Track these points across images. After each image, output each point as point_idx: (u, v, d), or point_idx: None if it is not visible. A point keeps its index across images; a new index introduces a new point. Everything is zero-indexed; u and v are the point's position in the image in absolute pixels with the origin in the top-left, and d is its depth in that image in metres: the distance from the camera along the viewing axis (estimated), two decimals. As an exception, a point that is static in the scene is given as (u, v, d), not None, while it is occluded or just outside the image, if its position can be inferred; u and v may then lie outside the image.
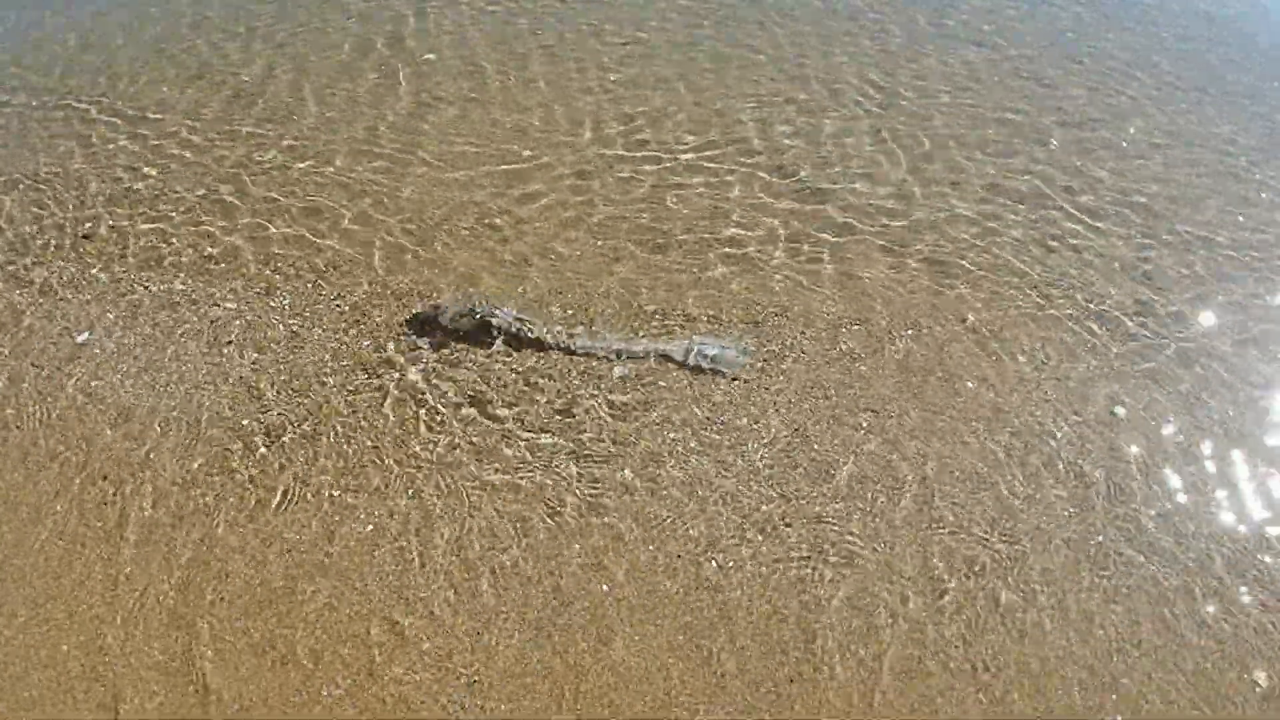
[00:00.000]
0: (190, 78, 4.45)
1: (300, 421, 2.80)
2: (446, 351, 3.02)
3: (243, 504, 2.58)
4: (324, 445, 2.74)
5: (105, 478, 2.67)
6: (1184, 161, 4.09)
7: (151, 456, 2.72)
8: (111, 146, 4.01)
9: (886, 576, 2.45)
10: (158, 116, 4.18)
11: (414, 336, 3.06)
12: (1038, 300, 3.31)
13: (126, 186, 3.77)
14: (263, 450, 2.72)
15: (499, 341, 3.01)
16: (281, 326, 3.12)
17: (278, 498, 2.60)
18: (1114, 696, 2.24)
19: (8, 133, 4.14)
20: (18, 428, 2.80)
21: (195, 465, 2.69)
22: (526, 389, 2.90)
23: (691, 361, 2.95)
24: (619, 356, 2.97)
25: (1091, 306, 3.29)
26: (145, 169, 3.86)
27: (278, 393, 2.89)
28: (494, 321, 3.00)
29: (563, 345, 3.00)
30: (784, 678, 2.25)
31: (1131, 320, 3.25)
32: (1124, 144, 4.16)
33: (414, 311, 3.13)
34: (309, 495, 2.60)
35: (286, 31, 4.76)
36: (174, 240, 3.49)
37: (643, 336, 3.05)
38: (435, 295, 3.22)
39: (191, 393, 2.90)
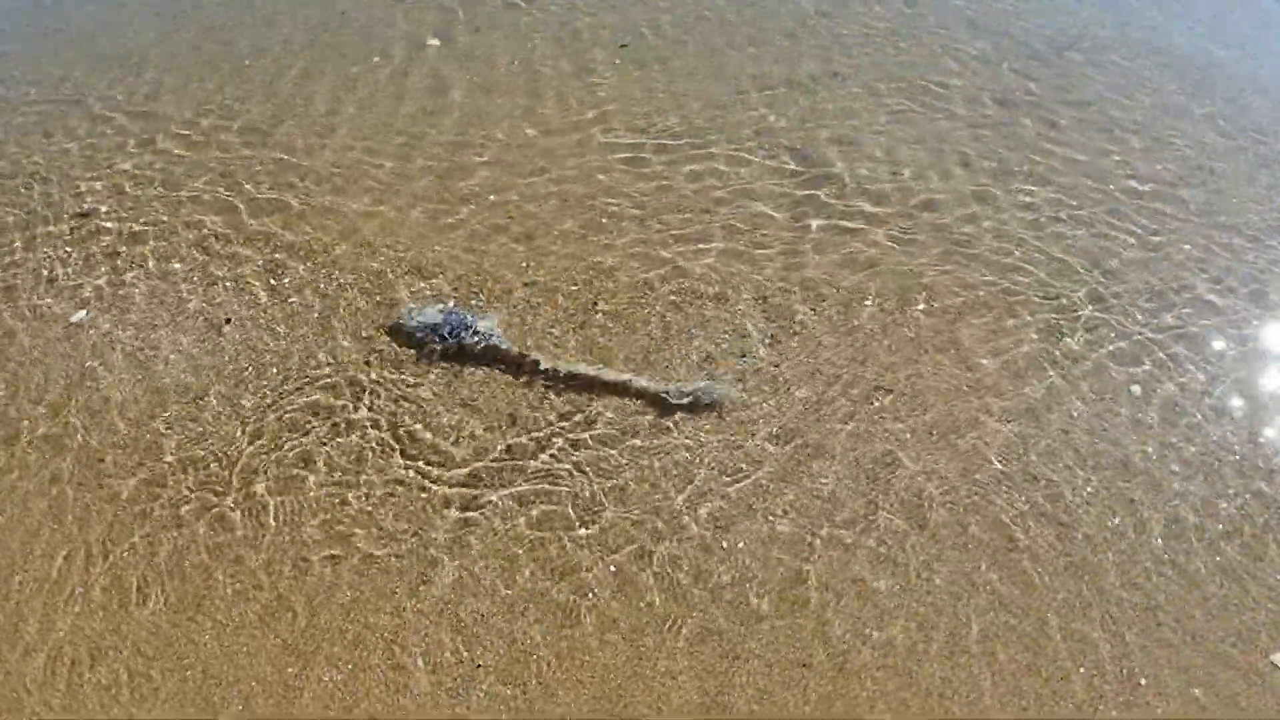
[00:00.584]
0: (201, 67, 4.40)
1: (299, 406, 2.75)
2: (412, 373, 2.80)
3: (241, 489, 2.53)
4: (322, 434, 2.68)
5: (101, 460, 2.61)
6: (1197, 144, 4.03)
7: (148, 436, 2.67)
8: (116, 130, 3.95)
9: (904, 561, 2.39)
10: (166, 104, 4.13)
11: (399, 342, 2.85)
12: (1051, 278, 3.25)
13: (130, 172, 3.71)
14: (263, 436, 2.67)
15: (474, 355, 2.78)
16: (281, 308, 3.07)
17: (272, 482, 2.54)
18: (1142, 681, 2.19)
19: (16, 115, 4.09)
20: (11, 408, 2.75)
21: (189, 443, 2.63)
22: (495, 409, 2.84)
23: (676, 399, 2.66)
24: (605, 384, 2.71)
25: (1108, 284, 3.24)
26: (150, 154, 3.81)
27: (274, 372, 2.84)
28: (464, 343, 2.77)
29: (542, 369, 2.75)
30: (796, 661, 2.19)
31: (1150, 299, 3.19)
32: (1136, 123, 4.11)
33: (394, 320, 2.90)
34: (310, 482, 2.55)
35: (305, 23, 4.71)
36: (175, 220, 3.43)
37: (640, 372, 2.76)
38: (423, 296, 3.12)
39: (188, 373, 2.85)
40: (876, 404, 2.76)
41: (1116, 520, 2.50)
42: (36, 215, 3.47)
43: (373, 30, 4.62)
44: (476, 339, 2.78)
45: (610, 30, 4.60)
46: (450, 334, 2.78)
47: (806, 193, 3.59)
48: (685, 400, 2.65)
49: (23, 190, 3.61)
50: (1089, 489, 2.57)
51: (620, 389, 2.71)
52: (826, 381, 2.83)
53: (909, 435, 2.68)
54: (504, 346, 2.78)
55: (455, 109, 4.02)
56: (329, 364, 2.85)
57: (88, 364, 2.88)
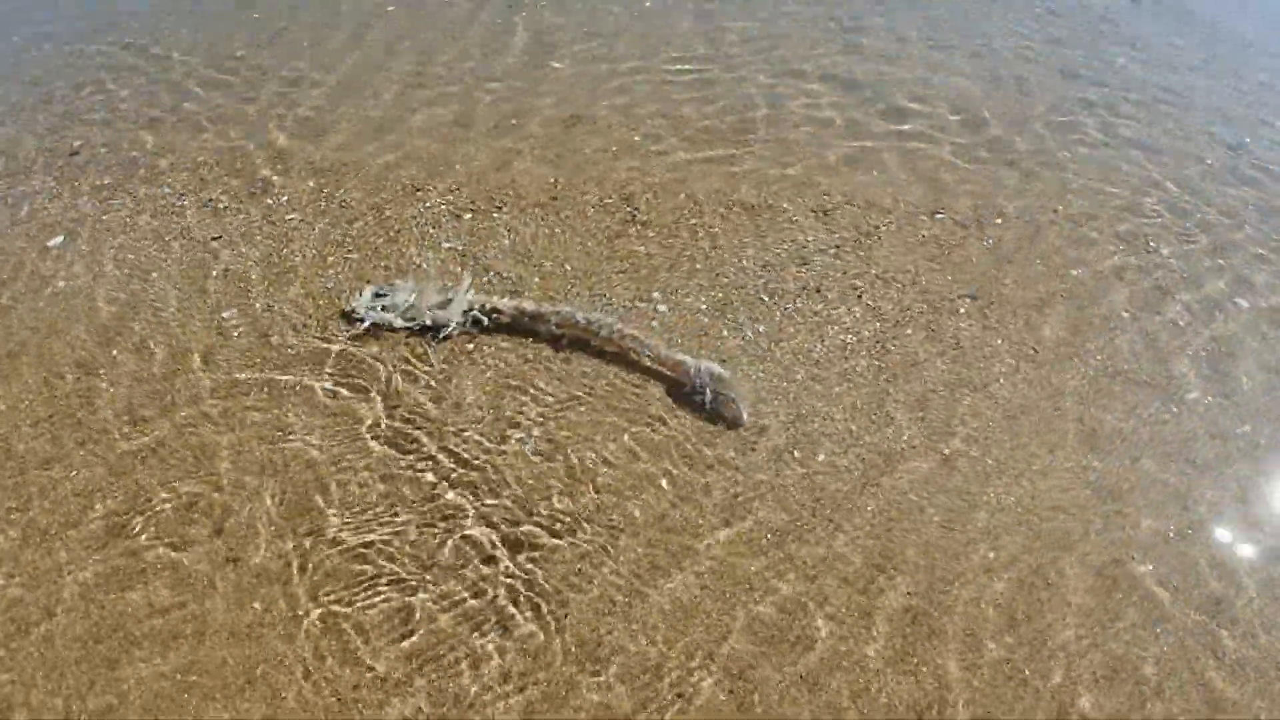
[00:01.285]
0: (217, 15, 4.23)
1: (285, 317, 2.39)
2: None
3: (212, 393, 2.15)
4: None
5: (66, 374, 2.25)
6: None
7: (115, 355, 2.30)
8: (129, 76, 3.71)
9: (999, 469, 1.96)
10: (169, 49, 3.93)
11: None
12: (1128, 191, 2.91)
13: (133, 112, 3.45)
14: (245, 341, 2.30)
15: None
16: (278, 224, 2.75)
17: (248, 397, 2.17)
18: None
19: (35, 60, 3.89)
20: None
21: (164, 358, 2.27)
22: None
23: (698, 384, 2.10)
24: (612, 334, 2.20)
25: (1186, 195, 2.90)
26: (152, 97, 3.56)
27: (266, 283, 2.49)
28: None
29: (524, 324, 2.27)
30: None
31: (1230, 204, 2.84)
32: (1193, 48, 3.82)
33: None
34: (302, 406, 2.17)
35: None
36: (168, 152, 3.15)
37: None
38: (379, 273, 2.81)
39: (166, 289, 2.50)
40: (963, 310, 2.37)
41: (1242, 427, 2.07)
42: (30, 155, 3.21)
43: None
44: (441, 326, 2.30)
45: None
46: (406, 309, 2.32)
47: (860, 114, 3.27)
48: (703, 393, 2.10)
49: (19, 130, 3.36)
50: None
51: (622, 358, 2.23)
52: (901, 289, 2.44)
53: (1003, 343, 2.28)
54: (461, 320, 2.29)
55: (474, 44, 3.76)
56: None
57: (59, 283, 2.54)
